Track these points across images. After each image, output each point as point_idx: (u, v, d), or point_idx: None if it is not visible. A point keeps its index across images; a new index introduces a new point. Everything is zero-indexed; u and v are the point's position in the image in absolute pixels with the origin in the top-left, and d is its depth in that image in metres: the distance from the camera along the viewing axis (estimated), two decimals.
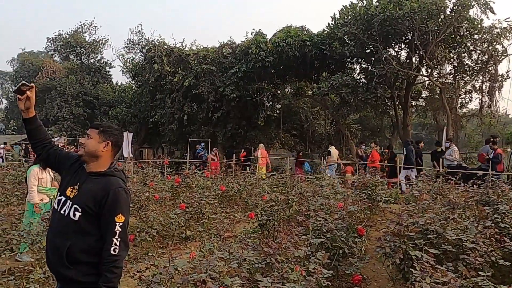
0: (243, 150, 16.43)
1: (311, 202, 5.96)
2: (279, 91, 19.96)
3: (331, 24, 15.33)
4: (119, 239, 1.95)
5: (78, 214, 1.97)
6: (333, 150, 13.64)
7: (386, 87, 14.99)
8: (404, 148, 11.52)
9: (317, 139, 21.94)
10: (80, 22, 28.59)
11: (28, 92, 2.10)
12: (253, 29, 17.53)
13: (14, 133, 30.61)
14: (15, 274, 4.24)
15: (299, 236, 3.84)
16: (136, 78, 22.78)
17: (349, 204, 5.60)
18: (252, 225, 6.29)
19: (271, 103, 19.54)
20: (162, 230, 5.46)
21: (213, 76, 18.05)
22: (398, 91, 15.64)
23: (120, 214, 1.96)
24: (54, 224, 2.05)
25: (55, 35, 27.72)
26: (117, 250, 1.94)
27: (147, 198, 6.46)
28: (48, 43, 28.24)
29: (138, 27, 22.05)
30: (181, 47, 19.96)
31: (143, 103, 22.28)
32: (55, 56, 30.01)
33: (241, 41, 18.41)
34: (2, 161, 15.54)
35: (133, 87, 25.17)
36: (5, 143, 19.20)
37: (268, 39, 16.79)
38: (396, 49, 15.32)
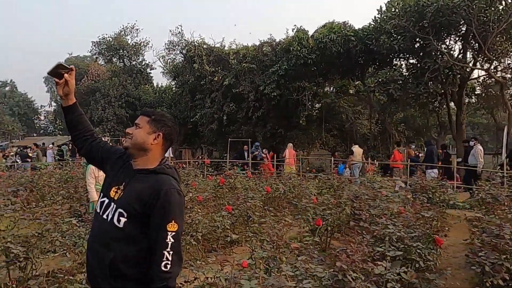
0: (269, 150, 16.48)
1: (368, 206, 5.42)
2: (320, 90, 19.32)
3: (378, 17, 14.54)
4: (171, 252, 1.57)
5: (123, 219, 1.62)
6: (356, 149, 13.24)
7: (438, 83, 13.99)
8: (426, 148, 11.31)
9: (359, 139, 21.09)
10: (123, 25, 29.15)
11: (66, 75, 1.79)
12: (294, 25, 16.95)
13: (61, 133, 31.94)
14: (58, 276, 4.06)
15: (362, 244, 3.35)
16: (176, 79, 22.94)
17: (411, 209, 5.01)
18: (303, 229, 5.85)
19: (312, 102, 18.95)
20: (207, 233, 5.12)
21: (253, 75, 17.74)
22: (451, 87, 14.56)
23: (173, 221, 1.59)
24: (96, 230, 1.72)
25: (99, 39, 28.57)
26: (168, 266, 1.56)
27: (191, 199, 6.16)
28: (93, 47, 29.16)
29: (178, 28, 22.14)
30: (220, 47, 19.82)
31: (183, 103, 22.38)
32: (99, 59, 30.97)
33: (281, 38, 17.99)
34: (53, 161, 16.08)
35: (173, 88, 25.40)
36: (52, 143, 19.91)
37: (309, 36, 16.25)
38: (449, 42, 14.27)
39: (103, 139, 2.05)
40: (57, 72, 1.77)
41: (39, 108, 53.30)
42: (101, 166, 1.92)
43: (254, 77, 17.69)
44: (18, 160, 16.58)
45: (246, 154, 15.68)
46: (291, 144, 13.92)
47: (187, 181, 9.33)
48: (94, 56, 31.31)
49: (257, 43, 18.70)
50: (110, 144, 2.02)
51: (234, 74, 18.14)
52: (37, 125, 54.07)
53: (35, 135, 47.65)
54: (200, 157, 23.08)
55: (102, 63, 31.61)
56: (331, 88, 20.50)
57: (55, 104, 40.60)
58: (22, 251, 3.83)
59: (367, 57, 15.73)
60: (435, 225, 4.30)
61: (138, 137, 1.71)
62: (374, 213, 4.77)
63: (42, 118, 54.24)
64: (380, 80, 13.61)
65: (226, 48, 19.83)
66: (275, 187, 7.82)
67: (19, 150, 18.67)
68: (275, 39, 18.28)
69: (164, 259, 1.56)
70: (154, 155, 1.74)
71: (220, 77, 18.40)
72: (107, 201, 1.70)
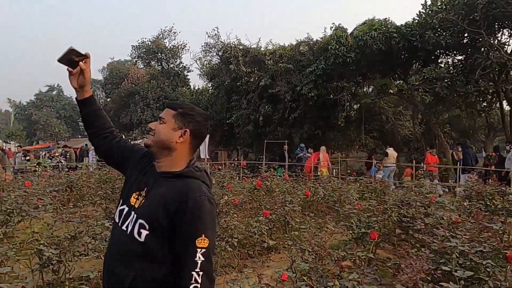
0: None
1: (420, 213, 4.93)
2: (359, 89, 18.63)
3: (422, 12, 13.74)
4: (201, 273, 1.29)
5: (144, 232, 1.35)
6: (390, 151, 12.74)
7: (490, 81, 13.00)
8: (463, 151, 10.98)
9: (400, 141, 20.16)
10: (161, 29, 29.72)
11: (81, 64, 1.54)
12: (333, 23, 16.41)
13: None
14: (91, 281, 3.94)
15: (420, 259, 2.93)
16: (212, 80, 23.01)
17: (469, 218, 4.48)
18: (345, 237, 5.45)
19: (350, 102, 18.31)
20: (243, 239, 4.85)
21: (289, 75, 17.38)
22: (504, 85, 13.49)
23: (203, 235, 1.31)
24: (114, 244, 1.46)
25: (139, 43, 29.28)
26: None
27: (226, 202, 5.92)
28: (133, 51, 29.94)
29: (214, 30, 22.22)
30: (256, 47, 19.62)
31: (219, 105, 22.40)
32: (139, 62, 31.77)
33: (319, 37, 17.51)
34: (94, 162, 16.52)
35: (210, 90, 25.53)
36: (85, 145, 20.51)
37: (348, 34, 15.68)
38: (502, 36, 13.24)
39: (142, 141, 1.82)
40: (70, 59, 1.53)
41: None
42: (121, 167, 1.66)
43: (290, 77, 17.33)
44: (62, 161, 17.22)
45: (286, 155, 15.30)
46: (324, 147, 13.84)
47: (222, 183, 9.13)
48: (134, 60, 32.15)
49: (294, 43, 18.32)
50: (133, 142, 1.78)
51: (270, 75, 17.88)
52: (82, 127, 56.52)
53: (79, 136, 49.75)
54: (235, 159, 23.00)
55: (141, 66, 32.43)
56: (371, 87, 19.77)
57: None
58: (55, 254, 3.72)
59: (410, 54, 14.93)
60: (505, 240, 3.77)
61: (161, 133, 1.45)
62: (428, 222, 4.28)
63: None
64: (425, 77, 12.81)
65: (262, 49, 19.62)
66: (313, 191, 7.44)
67: (63, 151, 19.40)
68: (312, 38, 17.84)
69: (193, 281, 1.28)
70: (180, 155, 1.47)
71: (256, 78, 18.19)
72: (126, 209, 1.45)
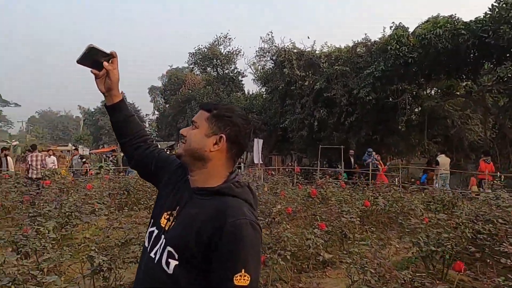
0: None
1: (498, 230, 4.30)
2: (422, 92, 17.47)
3: (495, 5, 12.51)
4: None
5: (173, 263, 1.11)
6: (441, 159, 12.11)
7: None
8: None
9: (467, 147, 18.56)
10: (216, 36, 30.29)
11: (107, 64, 1.33)
12: (393, 22, 15.56)
13: (162, 140, 34.34)
14: None
15: None
16: (266, 85, 22.94)
17: None
18: (410, 253, 4.92)
19: (411, 105, 17.20)
20: (297, 252, 4.53)
21: (346, 78, 16.75)
22: None
23: (243, 270, 1.03)
24: (141, 273, 1.22)
25: (195, 50, 30.06)
26: None
27: (279, 211, 5.64)
28: (190, 58, 30.80)
29: (268, 35, 22.16)
30: (311, 50, 19.20)
31: (273, 109, 22.25)
32: (195, 69, 32.65)
33: (377, 38, 16.69)
34: None
35: (264, 94, 25.50)
36: None
37: (410, 33, 14.74)
38: None
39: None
40: (94, 60, 1.32)
41: (144, 116, 58.58)
42: (154, 180, 1.42)
43: (347, 80, 16.69)
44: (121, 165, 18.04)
45: (352, 160, 14.64)
46: (378, 155, 13.75)
47: (275, 190, 8.88)
48: (191, 67, 33.11)
49: (351, 45, 17.66)
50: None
51: (325, 78, 17.36)
52: None
53: None
54: (289, 164, 22.69)
55: (197, 72, 33.32)
56: (434, 89, 18.47)
57: (157, 113, 44.02)
58: (106, 260, 3.68)
59: (481, 52, 13.66)
60: None
61: (192, 140, 1.20)
62: None
63: (147, 125, 59.64)
64: (499, 77, 11.61)
65: (317, 52, 19.15)
66: (373, 201, 6.92)
67: (111, 155, 20.39)
68: (370, 39, 17.06)
69: None
70: (217, 167, 1.21)
71: (311, 82, 17.77)
72: (156, 232, 1.21)
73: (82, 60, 1.30)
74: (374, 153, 13.91)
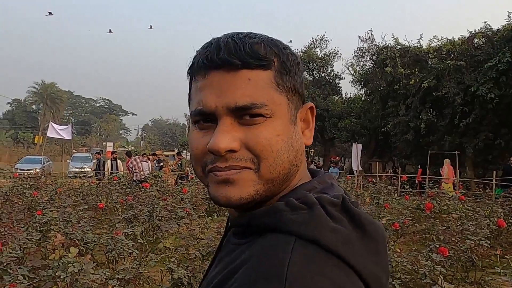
0: (419, 166, 15.56)
1: None
2: None
3: None
4: None
5: None
6: None
7: None
8: None
9: None
10: (312, 38, 29.64)
11: None
12: None
13: None
14: None
15: None
16: (365, 86, 21.62)
17: None
18: None
19: None
20: (409, 281, 3.66)
21: (460, 74, 14.67)
22: None
23: None
24: None
25: None
26: None
27: (384, 227, 4.79)
28: None
29: (368, 33, 20.80)
30: (417, 46, 17.37)
31: (373, 112, 20.79)
32: None
33: (500, 26, 14.29)
34: None
35: (363, 97, 24.14)
36: None
37: None
38: None
39: None
40: None
41: None
42: None
43: (462, 77, 14.60)
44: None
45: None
46: (448, 160, 12.96)
47: (377, 200, 7.91)
48: None
49: (466, 35, 15.45)
50: None
51: (434, 75, 15.46)
52: None
53: None
54: (390, 171, 20.95)
55: None
56: None
57: None
58: (185, 274, 3.35)
59: None
60: None
61: (281, 150, 0.55)
62: None
63: None
64: None
65: (424, 47, 17.26)
66: (506, 219, 5.56)
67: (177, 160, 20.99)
68: (491, 28, 14.70)
69: None
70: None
71: (417, 80, 16.00)
72: None
73: None
74: None
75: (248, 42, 0.55)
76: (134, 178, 10.82)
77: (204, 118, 0.56)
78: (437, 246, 4.01)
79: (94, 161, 19.09)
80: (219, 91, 0.54)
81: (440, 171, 13.44)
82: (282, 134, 0.55)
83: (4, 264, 3.23)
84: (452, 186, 11.96)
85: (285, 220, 0.51)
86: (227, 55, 0.53)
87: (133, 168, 10.88)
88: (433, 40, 16.91)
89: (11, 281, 2.93)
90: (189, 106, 0.60)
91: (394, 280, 3.50)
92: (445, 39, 16.16)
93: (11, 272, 3.04)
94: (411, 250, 4.64)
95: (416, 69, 16.39)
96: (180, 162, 14.77)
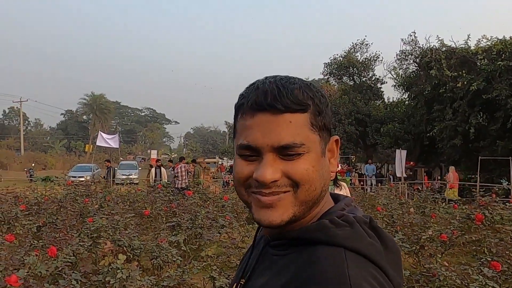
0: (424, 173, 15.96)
1: None
2: None
3: None
4: None
5: None
6: None
7: None
8: None
9: None
10: (352, 43, 29.17)
11: None
12: None
13: None
14: None
15: None
16: (409, 90, 20.92)
17: None
18: None
19: None
20: None
21: None
22: None
23: None
24: None
25: (330, 60, 29.46)
26: None
27: (430, 238, 4.59)
28: (325, 68, 30.33)
29: (411, 36, 20.14)
30: (464, 46, 16.60)
31: (417, 117, 20.07)
32: (331, 79, 32.02)
33: None
34: None
35: (406, 101, 23.37)
36: None
37: None
38: None
39: None
40: None
41: None
42: None
43: None
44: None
45: None
46: (453, 167, 13.46)
47: (423, 209, 7.61)
48: (326, 77, 32.65)
49: None
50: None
51: (484, 77, 14.69)
52: None
53: None
54: (440, 178, 20.05)
55: (333, 83, 32.66)
56: None
57: None
58: (226, 283, 3.40)
59: None
60: None
61: (316, 179, 0.65)
62: None
63: None
64: None
65: (472, 48, 16.46)
66: None
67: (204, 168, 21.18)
68: None
69: None
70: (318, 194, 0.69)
71: (465, 82, 15.26)
72: None
73: None
74: None
75: (289, 88, 0.64)
76: (177, 186, 11.12)
77: (250, 152, 0.65)
78: (489, 259, 3.80)
79: (105, 169, 18.73)
80: (264, 131, 0.63)
81: (445, 177, 13.52)
82: (316, 166, 0.66)
83: (60, 268, 3.45)
84: (458, 192, 12.32)
85: (333, 234, 0.62)
86: (273, 101, 0.63)
87: (177, 175, 11.16)
88: (482, 40, 16.11)
89: (66, 285, 3.13)
90: (234, 136, 0.70)
91: None
92: (495, 39, 15.34)
93: (66, 276, 3.24)
94: (460, 263, 4.43)
95: (464, 71, 15.66)
96: (195, 169, 14.62)
